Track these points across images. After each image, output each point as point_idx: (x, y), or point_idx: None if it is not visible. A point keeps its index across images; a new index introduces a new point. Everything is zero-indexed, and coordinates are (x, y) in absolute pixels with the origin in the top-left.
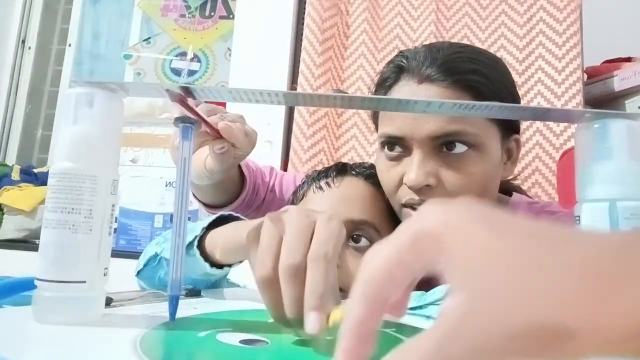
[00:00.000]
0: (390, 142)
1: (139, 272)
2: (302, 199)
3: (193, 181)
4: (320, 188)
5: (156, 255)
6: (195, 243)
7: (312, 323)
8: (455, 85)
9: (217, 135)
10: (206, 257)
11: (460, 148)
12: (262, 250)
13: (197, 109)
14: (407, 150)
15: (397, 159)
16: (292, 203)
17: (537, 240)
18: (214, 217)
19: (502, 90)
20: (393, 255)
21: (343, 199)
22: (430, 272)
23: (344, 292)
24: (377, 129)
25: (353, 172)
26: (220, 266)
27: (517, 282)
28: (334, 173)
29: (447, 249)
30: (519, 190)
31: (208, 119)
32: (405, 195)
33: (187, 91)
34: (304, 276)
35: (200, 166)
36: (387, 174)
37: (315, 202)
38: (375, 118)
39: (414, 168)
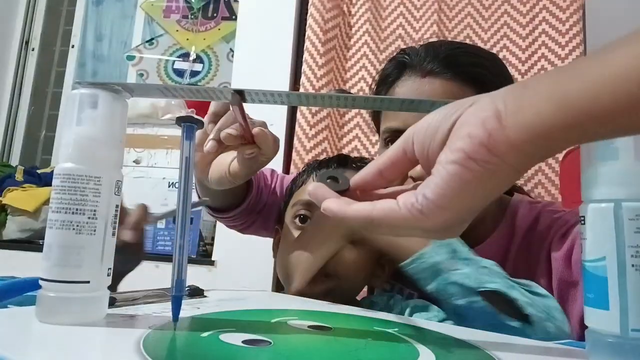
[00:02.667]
0: (395, 137)
1: None
2: (301, 186)
3: (212, 186)
4: None
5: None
6: None
7: None
8: (457, 77)
9: (249, 140)
10: None
11: None
12: None
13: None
14: None
15: None
16: (291, 191)
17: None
18: None
19: (502, 83)
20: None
21: None
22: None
23: (333, 279)
24: (377, 128)
25: (354, 166)
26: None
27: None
28: (335, 165)
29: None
30: (520, 190)
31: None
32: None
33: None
34: None
35: (224, 170)
36: None
37: None
38: (375, 117)
39: None
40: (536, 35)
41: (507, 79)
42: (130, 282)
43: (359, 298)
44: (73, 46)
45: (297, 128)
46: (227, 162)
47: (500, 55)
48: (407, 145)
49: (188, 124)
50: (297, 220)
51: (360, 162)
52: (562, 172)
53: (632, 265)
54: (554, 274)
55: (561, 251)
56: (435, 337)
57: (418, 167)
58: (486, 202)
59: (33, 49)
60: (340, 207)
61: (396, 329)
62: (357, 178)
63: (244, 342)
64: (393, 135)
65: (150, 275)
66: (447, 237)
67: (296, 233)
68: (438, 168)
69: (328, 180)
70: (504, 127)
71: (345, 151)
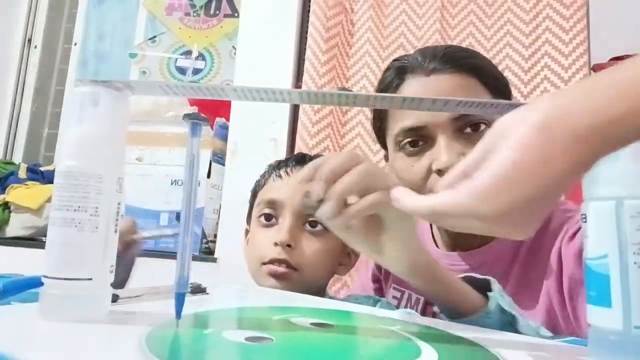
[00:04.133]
0: (411, 136)
1: None
2: (263, 186)
3: None
4: (280, 176)
5: None
6: None
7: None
8: (459, 70)
9: None
10: None
11: (483, 127)
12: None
13: None
14: (429, 140)
15: (418, 153)
16: (255, 192)
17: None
18: None
19: (497, 71)
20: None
21: (299, 187)
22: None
23: (297, 271)
24: (378, 137)
25: None
26: None
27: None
28: (293, 163)
29: None
30: None
31: None
32: (437, 182)
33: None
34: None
35: None
36: (411, 170)
37: (274, 190)
38: (378, 125)
39: (443, 151)
40: (540, 32)
41: (498, 70)
42: (134, 279)
43: (341, 296)
44: (75, 44)
45: (299, 126)
46: None
47: (504, 53)
48: (489, 144)
49: (194, 121)
50: (262, 218)
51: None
52: None
53: (635, 263)
54: (565, 272)
55: (572, 249)
56: (438, 334)
57: (444, 157)
58: (545, 195)
59: (35, 47)
60: (411, 198)
61: (398, 327)
62: (444, 183)
63: (247, 339)
64: (408, 135)
65: (153, 273)
66: (509, 232)
67: (260, 231)
68: (495, 154)
69: None
70: (562, 112)
71: (347, 149)
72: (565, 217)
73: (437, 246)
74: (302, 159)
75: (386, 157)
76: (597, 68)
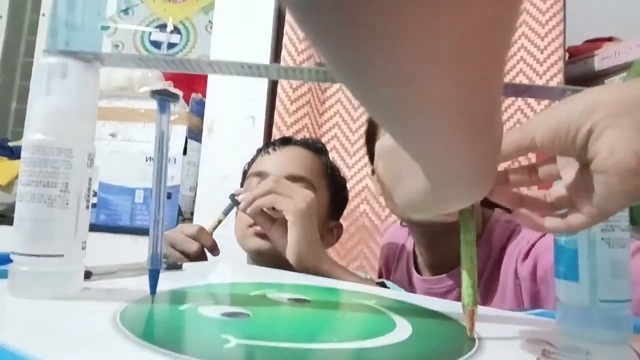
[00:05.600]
0: None
1: None
2: (252, 163)
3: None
4: (268, 152)
5: None
6: None
7: None
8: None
9: None
10: None
11: None
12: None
13: None
14: None
15: None
16: (245, 171)
17: None
18: None
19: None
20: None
21: (285, 159)
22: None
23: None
24: (370, 156)
25: (296, 143)
26: None
27: None
28: (279, 142)
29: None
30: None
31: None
32: None
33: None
34: None
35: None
36: None
37: (263, 163)
38: (370, 148)
39: None
40: (515, 38)
41: None
42: (108, 256)
43: None
44: (44, 14)
45: (277, 103)
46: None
47: None
48: (528, 136)
49: (162, 97)
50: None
51: (301, 140)
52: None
53: (602, 239)
54: (524, 292)
55: (526, 270)
56: (412, 309)
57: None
58: None
59: (1, 17)
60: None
61: (373, 301)
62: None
63: (223, 314)
64: None
65: (127, 249)
66: None
67: None
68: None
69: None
70: None
71: (326, 127)
72: (520, 238)
73: (419, 273)
74: (287, 140)
75: (373, 171)
76: (571, 50)
